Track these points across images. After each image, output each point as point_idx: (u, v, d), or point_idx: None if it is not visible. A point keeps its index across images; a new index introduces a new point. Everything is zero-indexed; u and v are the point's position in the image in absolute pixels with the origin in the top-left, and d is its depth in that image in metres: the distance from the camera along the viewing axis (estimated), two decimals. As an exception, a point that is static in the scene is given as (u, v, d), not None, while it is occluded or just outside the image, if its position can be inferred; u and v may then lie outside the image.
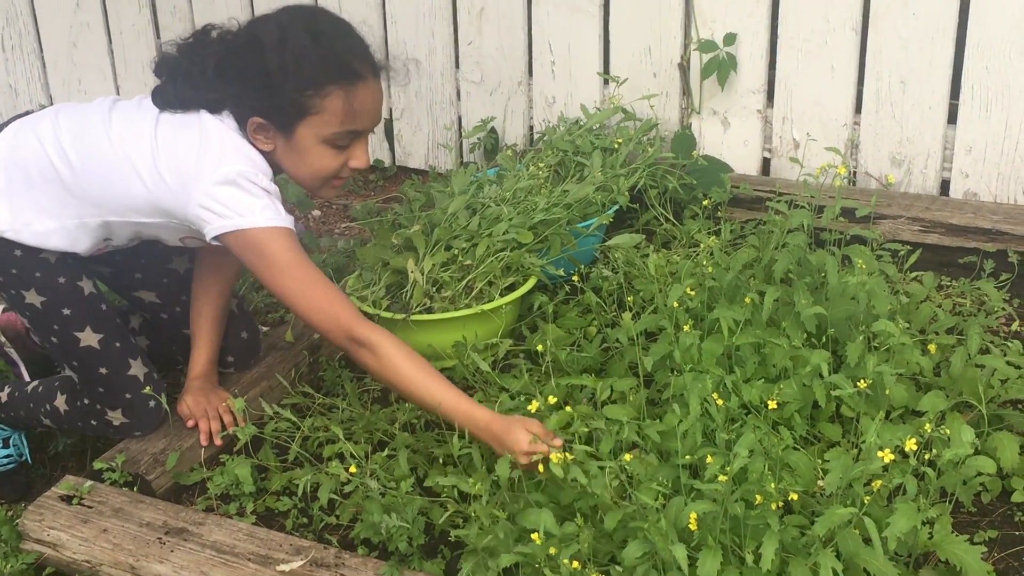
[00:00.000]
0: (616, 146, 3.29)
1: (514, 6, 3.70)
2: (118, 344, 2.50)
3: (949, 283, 3.04)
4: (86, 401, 2.53)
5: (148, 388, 2.48)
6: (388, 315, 2.75)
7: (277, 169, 2.40)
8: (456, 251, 2.85)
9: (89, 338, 2.47)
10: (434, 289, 2.79)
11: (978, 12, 3.11)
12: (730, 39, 3.40)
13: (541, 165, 3.20)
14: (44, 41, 4.58)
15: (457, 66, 3.90)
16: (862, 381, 2.11)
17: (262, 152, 2.34)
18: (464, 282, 2.80)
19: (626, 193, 3.12)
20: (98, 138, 2.35)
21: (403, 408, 2.58)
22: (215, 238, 2.27)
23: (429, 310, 2.76)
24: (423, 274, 2.79)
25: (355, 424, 2.56)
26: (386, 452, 2.42)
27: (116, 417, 2.51)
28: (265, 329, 3.03)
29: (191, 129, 2.30)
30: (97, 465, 2.47)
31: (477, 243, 2.84)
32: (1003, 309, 2.69)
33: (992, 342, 2.65)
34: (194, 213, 2.26)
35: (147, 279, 2.72)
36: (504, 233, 2.86)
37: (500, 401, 2.41)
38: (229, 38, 2.35)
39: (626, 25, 3.57)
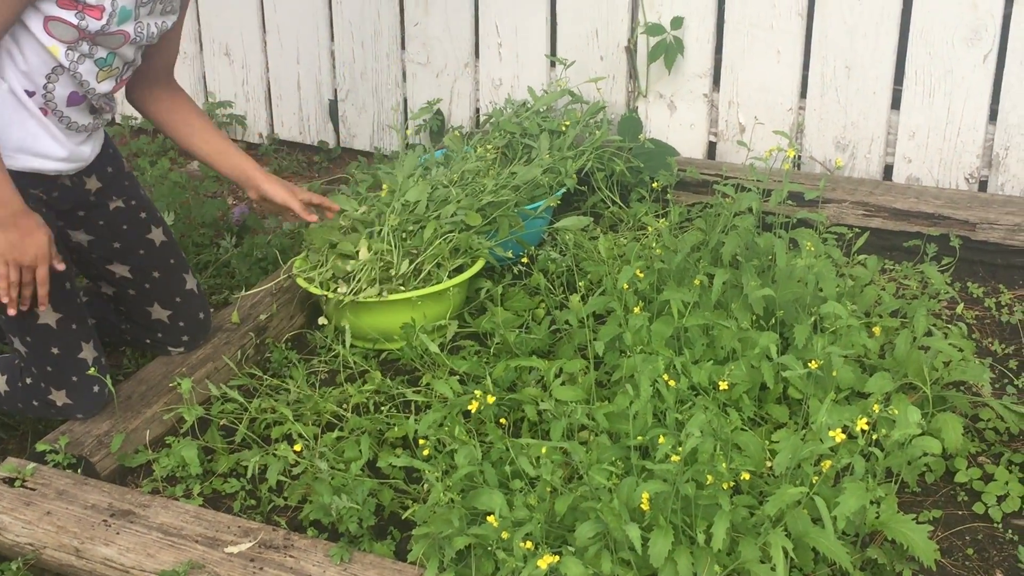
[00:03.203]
0: (563, 129, 3.29)
1: (461, -13, 3.70)
2: (74, 326, 2.46)
3: (892, 267, 3.07)
4: (28, 381, 2.49)
5: (93, 369, 2.45)
6: (335, 296, 2.73)
7: None
8: (404, 233, 2.83)
9: (48, 316, 2.43)
10: (383, 271, 2.77)
11: (922, -1, 3.16)
12: (677, 23, 3.40)
13: (489, 147, 3.20)
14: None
15: (403, 47, 3.88)
16: (812, 362, 2.12)
17: None
18: (413, 264, 2.79)
19: (574, 176, 3.12)
20: None
21: (353, 389, 2.57)
22: None
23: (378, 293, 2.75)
24: (371, 254, 2.78)
25: (303, 406, 2.54)
26: (335, 434, 2.41)
27: (59, 398, 2.48)
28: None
29: None
30: (40, 447, 2.43)
31: (424, 225, 2.83)
32: (947, 293, 2.73)
33: (935, 325, 2.68)
34: None
35: (124, 249, 2.65)
36: (452, 215, 2.85)
37: (451, 385, 2.41)
38: None
39: (573, 7, 3.56)
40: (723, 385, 2.11)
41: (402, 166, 3.02)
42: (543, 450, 2.04)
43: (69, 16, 2.27)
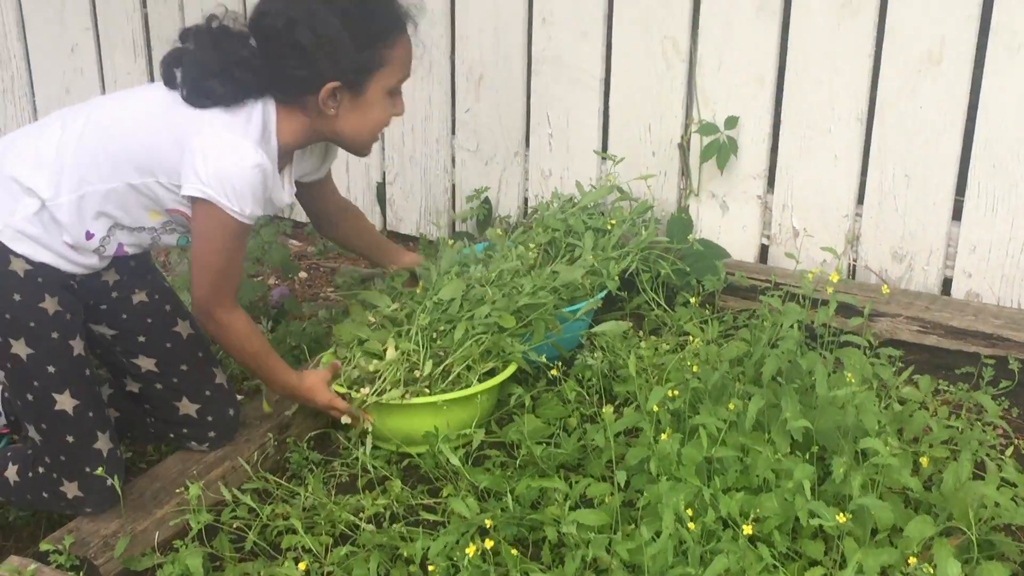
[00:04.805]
0: (609, 227, 3.19)
1: (514, 75, 3.62)
2: (91, 414, 2.40)
3: (947, 387, 2.93)
4: (41, 470, 2.43)
5: (101, 470, 2.37)
6: (359, 396, 2.64)
7: (321, 137, 2.47)
8: (435, 333, 2.74)
9: (65, 402, 2.37)
10: (409, 372, 2.68)
11: (987, 108, 3.02)
12: (731, 122, 3.31)
13: (532, 246, 3.10)
14: (36, 86, 4.52)
15: (453, 133, 3.82)
16: (840, 515, 2.00)
17: (318, 120, 2.41)
18: (441, 366, 2.69)
19: (616, 278, 3.02)
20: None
21: (368, 500, 2.47)
22: (189, 196, 2.31)
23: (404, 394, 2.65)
24: (397, 353, 2.69)
25: (317, 514, 2.45)
26: (346, 548, 2.31)
27: (71, 490, 2.41)
28: (239, 399, 2.93)
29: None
30: (44, 546, 2.35)
31: (456, 325, 2.74)
32: (997, 427, 2.58)
33: (988, 455, 2.54)
34: (189, 161, 2.27)
35: (150, 342, 2.59)
36: (486, 316, 2.75)
37: (467, 504, 2.30)
38: (259, 22, 2.35)
39: (626, 101, 3.48)
40: (747, 529, 1.99)
41: (439, 262, 2.94)
42: (554, 589, 1.93)
43: None
